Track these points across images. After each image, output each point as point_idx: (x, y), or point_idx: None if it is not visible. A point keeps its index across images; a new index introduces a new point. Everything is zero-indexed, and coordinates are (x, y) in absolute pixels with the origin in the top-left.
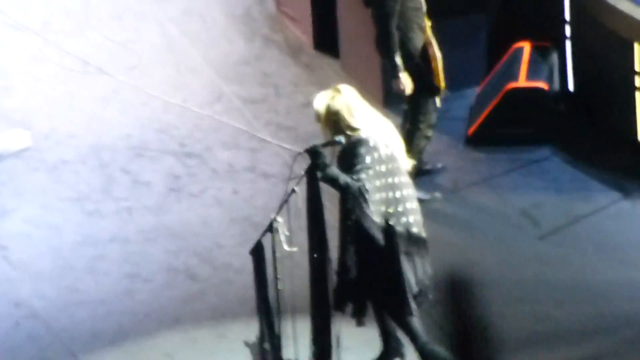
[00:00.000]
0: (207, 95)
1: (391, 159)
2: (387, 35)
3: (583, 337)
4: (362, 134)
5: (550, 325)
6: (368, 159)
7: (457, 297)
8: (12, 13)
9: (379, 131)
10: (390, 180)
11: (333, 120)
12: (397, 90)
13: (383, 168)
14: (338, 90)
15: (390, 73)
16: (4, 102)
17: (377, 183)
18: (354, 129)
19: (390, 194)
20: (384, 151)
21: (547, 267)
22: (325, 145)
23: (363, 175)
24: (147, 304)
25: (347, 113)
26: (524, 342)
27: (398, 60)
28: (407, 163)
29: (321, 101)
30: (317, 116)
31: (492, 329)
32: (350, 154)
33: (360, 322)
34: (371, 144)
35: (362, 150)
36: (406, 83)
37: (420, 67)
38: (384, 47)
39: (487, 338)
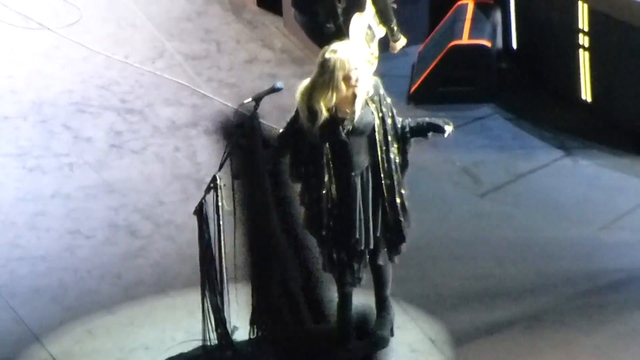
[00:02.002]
0: (149, 51)
1: None
2: None
3: (523, 295)
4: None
5: (490, 283)
6: None
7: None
8: None
9: None
10: None
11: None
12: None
13: None
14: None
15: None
16: None
17: None
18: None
19: None
20: None
21: (488, 225)
22: (267, 92)
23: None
24: (88, 260)
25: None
26: (465, 300)
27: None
28: None
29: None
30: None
31: (432, 287)
32: (385, 97)
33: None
34: None
35: None
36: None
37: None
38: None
39: (427, 296)
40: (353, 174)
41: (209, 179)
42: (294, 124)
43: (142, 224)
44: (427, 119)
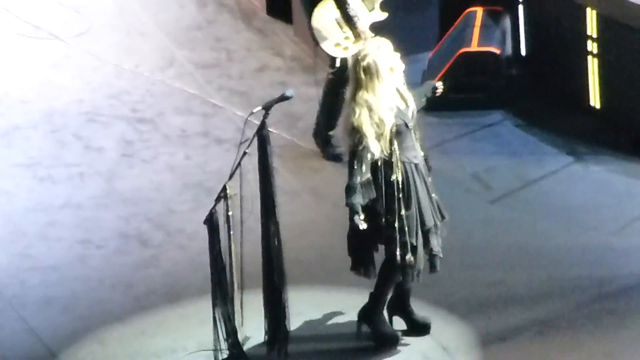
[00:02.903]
0: (159, 60)
1: None
2: None
3: (535, 301)
4: None
5: (502, 290)
6: None
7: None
8: None
9: None
10: None
11: None
12: None
13: None
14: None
15: None
16: None
17: None
18: None
19: None
20: None
21: (499, 231)
22: (277, 100)
23: None
24: (99, 270)
25: None
26: (476, 306)
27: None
28: None
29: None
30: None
31: (443, 294)
32: None
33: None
34: None
35: None
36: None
37: None
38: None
39: (439, 303)
40: (417, 162)
41: (219, 188)
42: (362, 158)
43: (153, 233)
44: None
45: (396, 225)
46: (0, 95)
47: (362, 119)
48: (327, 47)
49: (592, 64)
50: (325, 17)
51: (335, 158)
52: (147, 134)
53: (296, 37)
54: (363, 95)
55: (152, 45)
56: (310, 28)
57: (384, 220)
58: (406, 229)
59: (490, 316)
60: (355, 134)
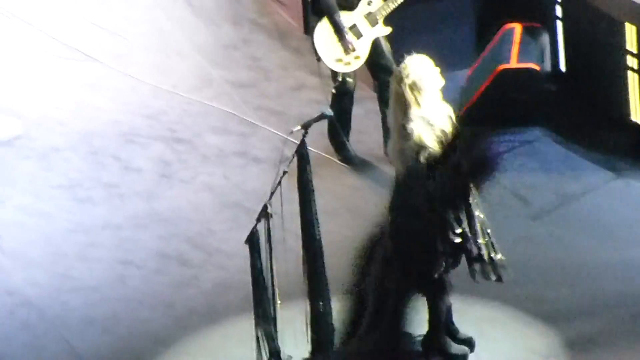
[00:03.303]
0: (196, 80)
1: None
2: None
3: (577, 317)
4: None
5: (543, 307)
6: None
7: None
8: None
9: None
10: None
11: None
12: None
13: None
14: None
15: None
16: None
17: None
18: None
19: None
20: None
21: (540, 248)
22: (316, 119)
23: None
24: (139, 290)
25: None
26: (519, 323)
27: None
28: None
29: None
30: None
31: (484, 311)
32: None
33: None
34: None
35: None
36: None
37: None
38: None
39: (480, 320)
40: None
41: (258, 207)
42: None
43: (193, 253)
44: None
45: (483, 229)
46: (38, 117)
47: (424, 134)
48: (329, 62)
49: (632, 79)
50: (326, 33)
51: (350, 160)
52: (185, 154)
53: None
54: (416, 112)
55: (189, 66)
56: (313, 44)
57: (472, 226)
58: (488, 230)
59: (533, 332)
60: (421, 150)
